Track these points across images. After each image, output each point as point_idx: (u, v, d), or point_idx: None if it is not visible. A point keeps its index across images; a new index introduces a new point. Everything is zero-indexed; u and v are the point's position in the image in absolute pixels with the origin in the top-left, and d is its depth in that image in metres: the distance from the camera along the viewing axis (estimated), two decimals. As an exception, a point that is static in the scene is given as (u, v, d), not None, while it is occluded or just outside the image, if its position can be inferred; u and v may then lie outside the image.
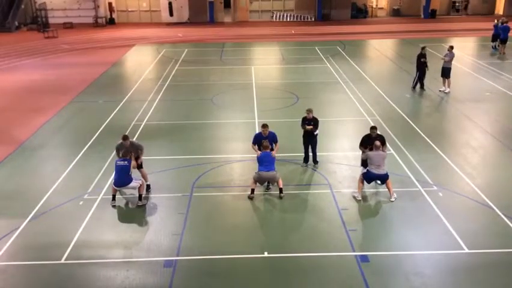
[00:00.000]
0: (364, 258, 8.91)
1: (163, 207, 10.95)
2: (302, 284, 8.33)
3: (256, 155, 11.54)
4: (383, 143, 11.32)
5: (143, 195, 11.09)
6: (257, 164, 11.34)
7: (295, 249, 9.25)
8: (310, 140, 12.52)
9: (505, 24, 26.31)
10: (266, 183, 11.55)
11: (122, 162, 10.87)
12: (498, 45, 27.00)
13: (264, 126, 11.76)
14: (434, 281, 8.31)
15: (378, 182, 11.39)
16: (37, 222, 10.35)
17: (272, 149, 11.51)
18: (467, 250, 9.13)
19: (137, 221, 10.52)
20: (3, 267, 8.89)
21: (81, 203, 11.09)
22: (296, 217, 10.46)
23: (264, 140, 11.44)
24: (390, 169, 12.13)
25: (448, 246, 9.25)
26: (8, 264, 8.98)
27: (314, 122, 12.33)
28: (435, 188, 11.51)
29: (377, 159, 10.87)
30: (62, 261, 8.99)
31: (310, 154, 12.73)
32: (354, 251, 9.13)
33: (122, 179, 10.80)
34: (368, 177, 11.07)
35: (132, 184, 10.91)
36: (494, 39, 27.53)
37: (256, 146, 11.76)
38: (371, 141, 11.25)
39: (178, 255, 9.10)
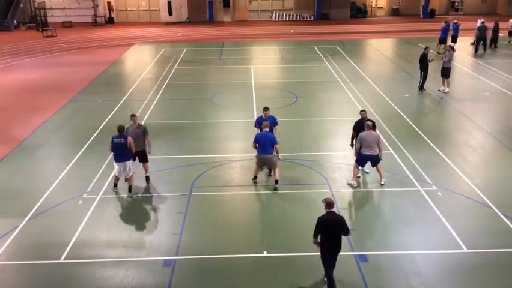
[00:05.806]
0: (363, 258, 8.93)
1: (162, 206, 10.96)
2: (301, 283, 8.33)
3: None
4: (374, 126, 11.57)
5: (132, 187, 11.39)
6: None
7: (294, 249, 9.24)
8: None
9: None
10: (268, 170, 11.83)
11: (119, 139, 11.03)
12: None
13: (265, 109, 12.11)
14: (433, 281, 8.32)
15: (366, 170, 11.40)
16: (36, 222, 10.34)
17: (271, 131, 11.69)
18: (466, 250, 9.14)
19: (136, 220, 10.53)
20: (2, 267, 8.88)
21: (80, 202, 11.08)
22: (295, 216, 10.46)
23: (265, 122, 11.62)
24: (390, 169, 12.18)
25: (446, 246, 9.26)
26: (6, 263, 8.97)
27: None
28: (434, 187, 11.52)
29: (369, 139, 11.10)
30: (61, 260, 8.99)
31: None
32: (353, 251, 9.14)
33: (122, 154, 11.03)
34: (360, 159, 11.32)
35: (130, 163, 11.17)
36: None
37: (259, 129, 12.00)
38: (363, 125, 11.54)
39: (177, 255, 9.11)
